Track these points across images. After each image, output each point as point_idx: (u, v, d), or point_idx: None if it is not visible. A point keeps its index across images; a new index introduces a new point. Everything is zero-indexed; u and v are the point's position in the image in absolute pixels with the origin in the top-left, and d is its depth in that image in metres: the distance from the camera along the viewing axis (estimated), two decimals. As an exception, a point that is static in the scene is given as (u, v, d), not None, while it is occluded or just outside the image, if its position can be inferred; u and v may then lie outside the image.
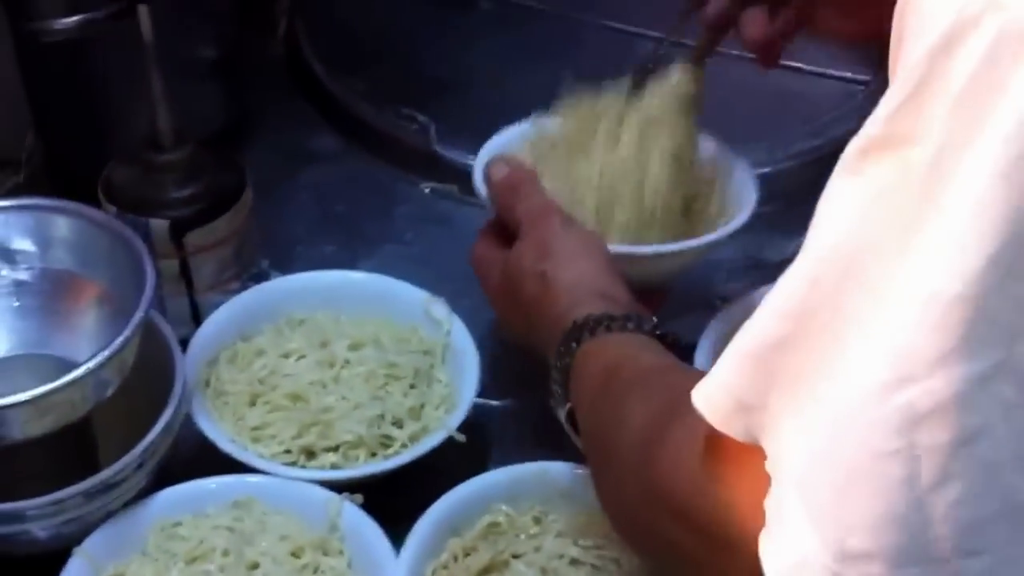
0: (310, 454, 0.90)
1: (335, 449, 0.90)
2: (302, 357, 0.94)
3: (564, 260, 0.84)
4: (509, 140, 1.00)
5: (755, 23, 0.91)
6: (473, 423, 0.92)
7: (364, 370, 0.93)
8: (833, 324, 0.47)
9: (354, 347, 0.95)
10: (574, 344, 0.78)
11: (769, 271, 1.08)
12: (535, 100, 1.28)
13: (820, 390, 0.47)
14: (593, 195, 0.93)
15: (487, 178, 0.92)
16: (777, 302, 0.50)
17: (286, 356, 0.95)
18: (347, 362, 0.94)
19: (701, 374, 0.56)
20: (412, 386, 0.94)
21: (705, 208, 0.99)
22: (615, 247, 0.88)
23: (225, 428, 0.91)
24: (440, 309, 0.97)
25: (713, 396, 0.54)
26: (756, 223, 1.14)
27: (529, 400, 0.94)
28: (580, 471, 0.86)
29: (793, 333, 0.49)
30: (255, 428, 0.91)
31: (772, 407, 0.50)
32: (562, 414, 0.80)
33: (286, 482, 0.88)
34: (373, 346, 0.95)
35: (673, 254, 0.93)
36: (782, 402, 0.49)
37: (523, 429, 0.98)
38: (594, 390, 0.75)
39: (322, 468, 0.89)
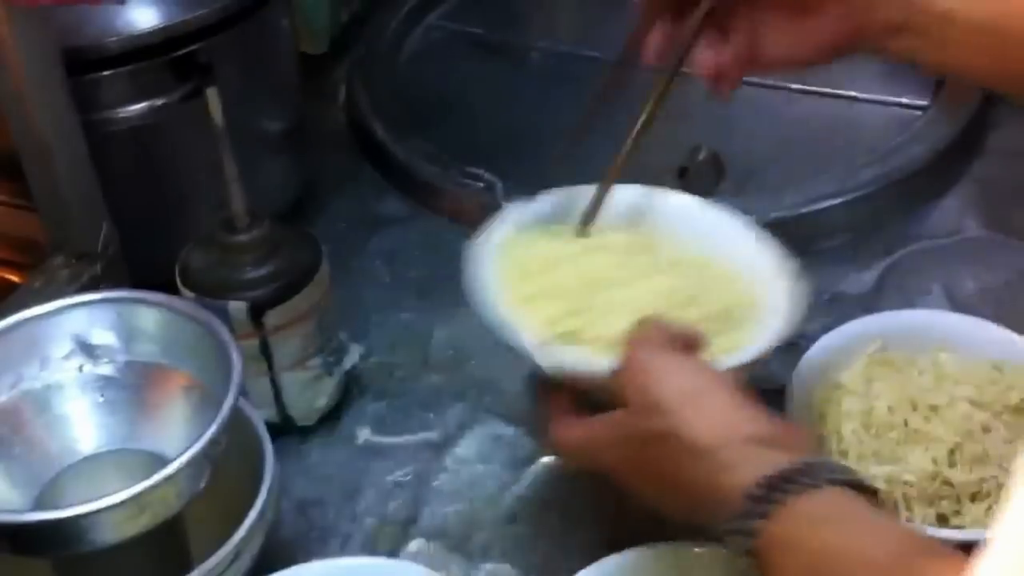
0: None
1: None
2: None
3: (681, 406, 0.73)
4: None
5: (703, 56, 0.88)
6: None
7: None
8: None
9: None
10: (752, 522, 0.66)
11: (848, 305, 1.08)
12: (594, 150, 1.29)
13: None
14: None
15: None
16: None
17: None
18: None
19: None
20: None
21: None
22: (731, 360, 0.80)
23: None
24: None
25: None
26: (828, 257, 1.13)
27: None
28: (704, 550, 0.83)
29: None
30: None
31: None
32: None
33: (382, 563, 0.87)
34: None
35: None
36: None
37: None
38: None
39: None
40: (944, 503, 0.88)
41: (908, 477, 0.88)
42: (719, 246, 0.93)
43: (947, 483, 0.89)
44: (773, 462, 0.68)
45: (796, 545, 0.65)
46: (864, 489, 0.68)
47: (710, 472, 0.70)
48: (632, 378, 0.75)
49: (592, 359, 0.81)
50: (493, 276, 0.89)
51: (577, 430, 0.79)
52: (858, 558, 0.63)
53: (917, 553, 0.63)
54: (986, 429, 0.91)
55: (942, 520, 0.88)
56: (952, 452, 0.90)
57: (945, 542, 0.66)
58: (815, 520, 0.65)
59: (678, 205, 0.98)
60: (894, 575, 0.61)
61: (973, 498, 0.89)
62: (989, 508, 0.88)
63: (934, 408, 0.92)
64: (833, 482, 0.66)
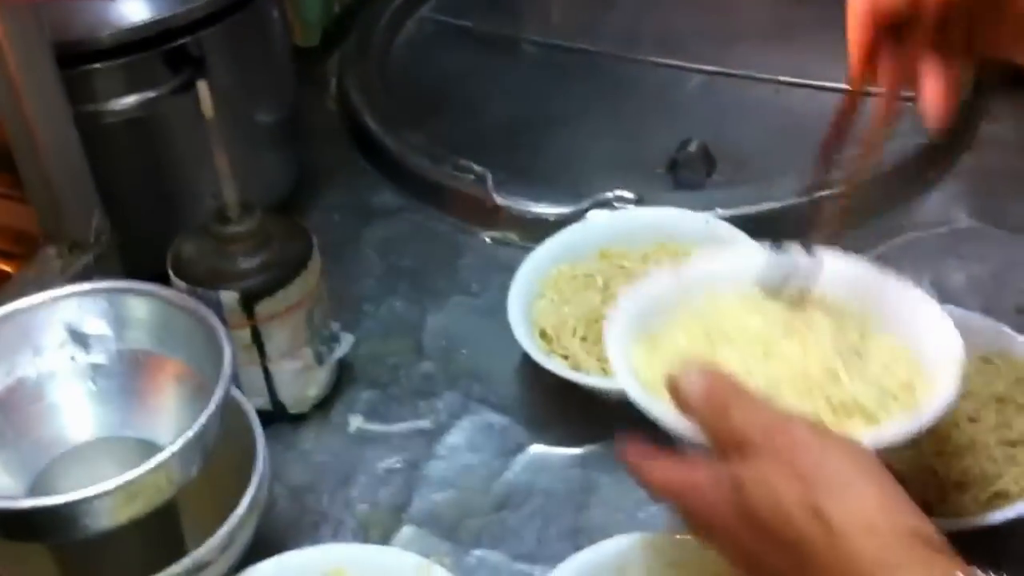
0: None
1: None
2: None
3: (841, 487, 0.63)
4: None
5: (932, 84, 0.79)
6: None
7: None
8: None
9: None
10: None
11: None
12: (585, 142, 1.30)
13: None
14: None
15: (679, 396, 0.73)
16: None
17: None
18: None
19: None
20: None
21: None
22: (870, 437, 0.73)
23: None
24: None
25: None
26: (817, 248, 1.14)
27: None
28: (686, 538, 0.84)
29: None
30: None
31: None
32: None
33: (375, 550, 0.88)
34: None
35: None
36: None
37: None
38: None
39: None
40: (929, 491, 0.89)
41: (898, 466, 0.89)
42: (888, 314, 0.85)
43: (932, 472, 0.89)
44: (943, 570, 0.60)
45: None
46: None
47: (870, 568, 0.61)
48: (781, 433, 0.67)
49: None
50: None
51: (672, 470, 0.72)
52: None
53: None
54: (972, 419, 0.92)
55: (927, 508, 0.88)
56: (938, 442, 0.91)
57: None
58: None
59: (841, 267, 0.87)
60: None
61: (958, 487, 0.89)
62: (974, 497, 0.89)
63: (919, 397, 0.93)
64: None
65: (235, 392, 0.90)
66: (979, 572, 0.60)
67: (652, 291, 0.88)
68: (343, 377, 1.07)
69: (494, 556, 0.93)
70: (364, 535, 0.95)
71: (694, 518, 0.70)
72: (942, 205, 1.21)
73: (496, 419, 1.03)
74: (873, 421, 0.76)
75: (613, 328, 0.85)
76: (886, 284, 0.86)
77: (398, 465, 1.00)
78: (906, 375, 0.80)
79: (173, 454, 0.75)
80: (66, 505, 0.73)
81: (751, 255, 0.88)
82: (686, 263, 0.91)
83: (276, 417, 1.02)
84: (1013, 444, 0.91)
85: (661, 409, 0.76)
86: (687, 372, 0.73)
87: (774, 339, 0.81)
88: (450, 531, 0.95)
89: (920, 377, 0.79)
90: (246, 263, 0.96)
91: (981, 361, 0.96)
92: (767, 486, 0.65)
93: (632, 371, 0.82)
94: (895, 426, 0.75)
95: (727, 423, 0.69)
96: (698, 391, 0.71)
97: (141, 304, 0.85)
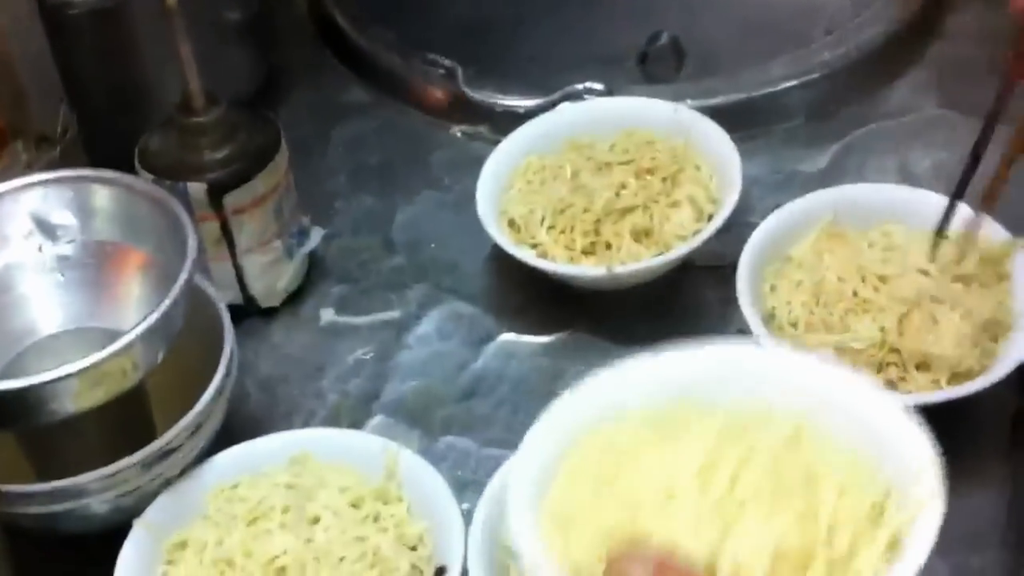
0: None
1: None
2: None
3: None
4: None
5: None
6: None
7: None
8: None
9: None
10: None
11: (803, 183, 1.08)
12: (555, 37, 1.29)
13: None
14: None
15: None
16: None
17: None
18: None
19: None
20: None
21: None
22: None
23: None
24: None
25: None
26: (785, 137, 1.15)
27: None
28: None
29: None
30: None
31: None
32: None
33: (341, 434, 0.89)
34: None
35: None
36: None
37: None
38: None
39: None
40: (892, 370, 0.90)
41: (856, 345, 0.90)
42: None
43: (894, 350, 0.90)
44: None
45: None
46: None
47: None
48: None
49: None
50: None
51: None
52: None
53: None
54: (935, 299, 0.93)
55: (889, 386, 0.90)
56: (900, 321, 0.91)
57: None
58: None
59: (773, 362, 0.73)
60: None
61: (919, 366, 0.90)
62: (936, 377, 0.90)
63: (883, 278, 0.93)
64: None
65: (204, 284, 0.91)
66: None
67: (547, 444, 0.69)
68: (314, 272, 1.08)
69: (463, 442, 0.94)
70: (335, 424, 0.96)
71: None
72: (910, 94, 1.21)
73: (465, 309, 1.04)
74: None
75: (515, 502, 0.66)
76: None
77: (368, 356, 1.01)
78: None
79: (135, 339, 0.76)
80: (30, 388, 0.74)
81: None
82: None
83: (248, 311, 1.03)
84: (976, 324, 0.91)
85: None
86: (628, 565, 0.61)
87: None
88: (420, 419, 0.96)
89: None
90: (213, 155, 0.96)
91: (942, 238, 0.96)
92: None
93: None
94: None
95: None
96: None
97: (105, 193, 0.86)
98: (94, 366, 0.75)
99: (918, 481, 0.63)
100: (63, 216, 0.86)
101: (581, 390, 0.71)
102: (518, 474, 0.67)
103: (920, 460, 0.63)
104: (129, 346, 0.76)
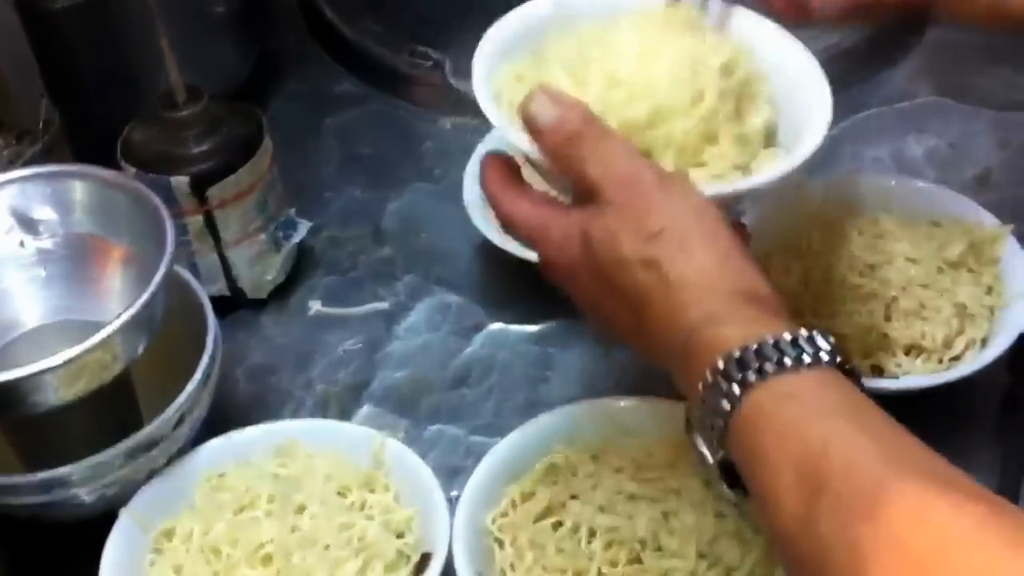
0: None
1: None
2: None
3: (680, 242, 0.65)
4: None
5: None
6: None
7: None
8: None
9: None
10: (735, 387, 0.59)
11: (796, 170, 1.07)
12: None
13: None
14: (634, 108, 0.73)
15: (529, 121, 0.70)
16: None
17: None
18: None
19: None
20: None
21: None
22: (713, 188, 0.70)
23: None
24: None
25: None
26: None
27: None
28: (635, 403, 0.85)
29: None
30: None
31: None
32: (710, 459, 0.63)
33: (327, 423, 0.89)
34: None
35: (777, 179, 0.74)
36: None
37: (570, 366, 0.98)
38: (794, 505, 0.55)
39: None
40: (880, 355, 0.90)
41: (845, 330, 0.90)
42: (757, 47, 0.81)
43: (883, 336, 0.90)
44: (767, 329, 0.60)
45: (781, 428, 0.57)
46: (851, 374, 0.61)
47: (695, 323, 0.63)
48: (629, 185, 0.67)
49: None
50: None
51: (528, 208, 0.72)
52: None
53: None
54: (923, 285, 0.93)
55: (877, 371, 0.90)
56: (888, 307, 0.91)
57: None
58: (807, 409, 0.58)
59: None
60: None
61: (908, 351, 0.90)
62: (924, 362, 0.90)
63: (872, 266, 0.94)
64: (827, 362, 0.60)
65: (187, 276, 0.91)
66: (807, 331, 0.60)
67: (537, 11, 0.82)
68: (303, 264, 1.07)
69: (452, 430, 0.94)
70: (324, 414, 0.96)
71: (544, 260, 0.72)
72: (905, 81, 1.21)
73: (454, 299, 1.04)
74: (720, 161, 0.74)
75: (485, 46, 0.78)
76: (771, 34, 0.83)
77: (357, 346, 1.01)
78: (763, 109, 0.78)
79: (115, 331, 0.76)
80: (11, 382, 0.74)
81: None
82: None
83: (236, 303, 1.03)
84: (964, 309, 0.91)
85: (518, 136, 0.72)
86: (540, 97, 0.70)
87: (650, 56, 0.74)
88: (409, 408, 0.96)
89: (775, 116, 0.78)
90: (196, 148, 0.96)
91: (932, 227, 0.96)
92: (612, 241, 0.66)
93: (494, 93, 0.76)
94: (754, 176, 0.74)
95: (579, 167, 0.68)
96: (548, 121, 0.69)
97: (84, 187, 0.86)
98: (74, 359, 0.75)
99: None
100: (43, 211, 0.86)
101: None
102: (503, 27, 0.79)
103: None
104: (109, 339, 0.76)
